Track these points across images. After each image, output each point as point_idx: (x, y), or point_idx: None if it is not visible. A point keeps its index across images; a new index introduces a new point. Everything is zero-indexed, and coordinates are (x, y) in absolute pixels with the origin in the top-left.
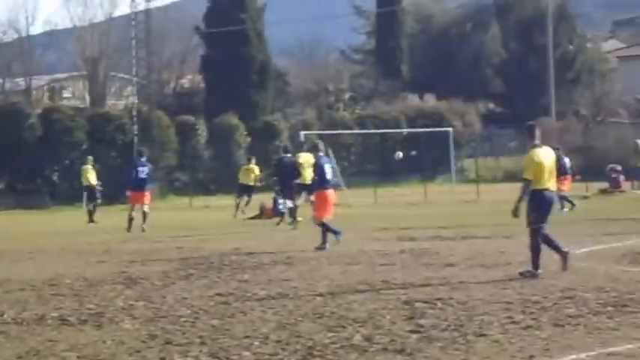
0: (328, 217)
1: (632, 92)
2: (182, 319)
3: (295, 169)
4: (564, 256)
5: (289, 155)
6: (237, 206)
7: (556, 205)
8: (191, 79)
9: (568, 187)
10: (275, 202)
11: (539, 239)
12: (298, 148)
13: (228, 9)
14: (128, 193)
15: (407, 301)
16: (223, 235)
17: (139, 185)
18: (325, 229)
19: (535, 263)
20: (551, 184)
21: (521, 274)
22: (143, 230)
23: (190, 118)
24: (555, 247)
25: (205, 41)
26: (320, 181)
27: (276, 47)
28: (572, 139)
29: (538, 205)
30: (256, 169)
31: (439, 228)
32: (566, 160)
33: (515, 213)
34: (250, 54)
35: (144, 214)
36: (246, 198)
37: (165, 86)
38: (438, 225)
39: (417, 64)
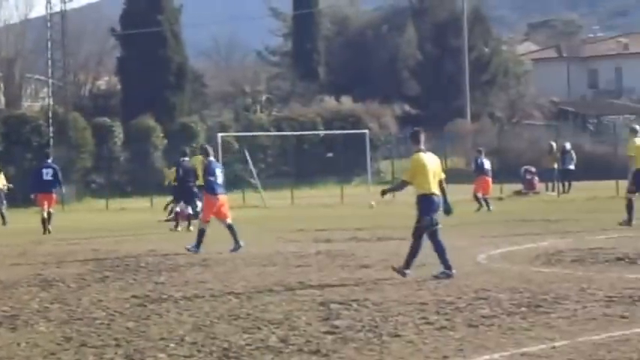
0: (227, 221)
1: (546, 94)
2: (97, 322)
3: (194, 173)
4: (447, 275)
5: (187, 159)
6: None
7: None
8: (107, 81)
9: (488, 189)
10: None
11: (421, 241)
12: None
13: (145, 11)
14: (32, 195)
15: (322, 303)
16: (139, 237)
17: (44, 187)
18: (231, 231)
19: (408, 262)
20: (436, 188)
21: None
22: (49, 232)
23: (107, 120)
24: (444, 261)
25: (121, 43)
26: (210, 186)
27: (194, 49)
28: (486, 140)
29: (427, 208)
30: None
31: (355, 229)
32: (486, 162)
33: (382, 193)
34: (167, 56)
35: (48, 215)
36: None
37: (81, 88)
38: (354, 226)
39: (334, 66)
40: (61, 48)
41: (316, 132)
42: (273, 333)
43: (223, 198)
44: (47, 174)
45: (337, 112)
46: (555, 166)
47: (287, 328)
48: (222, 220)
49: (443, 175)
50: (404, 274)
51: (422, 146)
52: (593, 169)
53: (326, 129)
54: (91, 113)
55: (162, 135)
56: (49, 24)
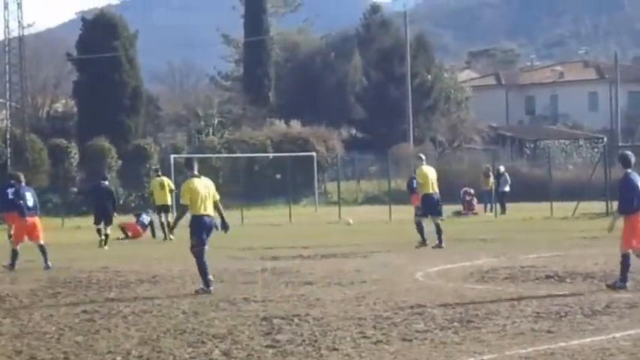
0: (39, 242)
1: (485, 120)
2: (47, 336)
3: (112, 196)
4: (205, 291)
5: (107, 183)
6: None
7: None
8: (64, 104)
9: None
10: (138, 218)
11: (202, 259)
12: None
13: (101, 36)
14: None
15: (265, 318)
16: (93, 255)
17: (11, 206)
18: (42, 251)
19: (205, 280)
20: (208, 210)
21: (196, 292)
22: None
23: (63, 141)
24: (204, 274)
25: (78, 67)
26: (20, 209)
27: (149, 74)
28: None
29: (195, 229)
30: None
31: (301, 248)
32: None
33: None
34: (122, 80)
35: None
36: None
37: (39, 110)
38: (301, 245)
39: (284, 91)
40: (19, 72)
41: (266, 154)
42: (217, 347)
43: (33, 220)
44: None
45: (286, 135)
46: (491, 187)
47: (230, 342)
48: (35, 240)
49: (217, 197)
50: (208, 291)
51: (195, 172)
52: (530, 191)
53: (275, 151)
54: (48, 134)
55: (116, 156)
56: (7, 48)
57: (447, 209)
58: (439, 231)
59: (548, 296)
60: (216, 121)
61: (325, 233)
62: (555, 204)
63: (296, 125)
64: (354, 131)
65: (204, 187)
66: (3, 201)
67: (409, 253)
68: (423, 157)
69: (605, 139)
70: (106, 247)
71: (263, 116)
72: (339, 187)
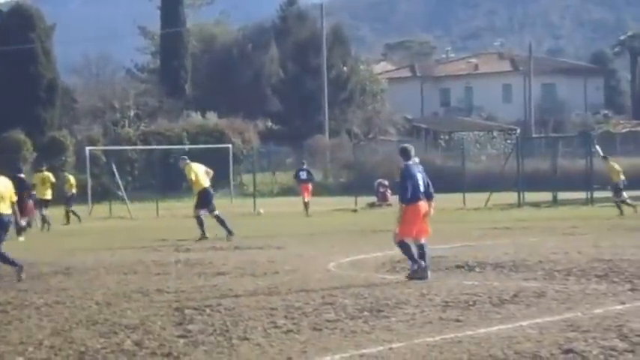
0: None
1: (400, 112)
2: None
3: (28, 188)
4: (18, 273)
5: (22, 175)
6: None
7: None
8: None
9: (308, 193)
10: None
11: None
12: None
13: (17, 28)
14: None
15: (178, 308)
16: (6, 247)
17: None
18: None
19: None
20: (5, 209)
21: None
22: None
23: None
24: (11, 263)
25: None
26: None
27: (66, 66)
28: (344, 155)
29: None
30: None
31: (215, 239)
32: (302, 173)
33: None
34: (38, 72)
35: None
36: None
37: None
38: (213, 236)
39: (200, 83)
40: None
41: (182, 146)
42: (129, 337)
43: None
44: None
45: (202, 127)
46: None
47: (142, 333)
48: None
49: (15, 198)
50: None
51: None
52: (443, 182)
53: (191, 143)
54: None
55: (32, 148)
56: None
57: (362, 201)
58: (222, 222)
59: (457, 286)
60: (132, 113)
61: (240, 225)
62: (468, 195)
63: (212, 117)
64: (270, 123)
65: (4, 187)
66: None
67: (323, 245)
68: (187, 159)
69: (519, 130)
70: (21, 239)
71: (179, 108)
72: (254, 178)
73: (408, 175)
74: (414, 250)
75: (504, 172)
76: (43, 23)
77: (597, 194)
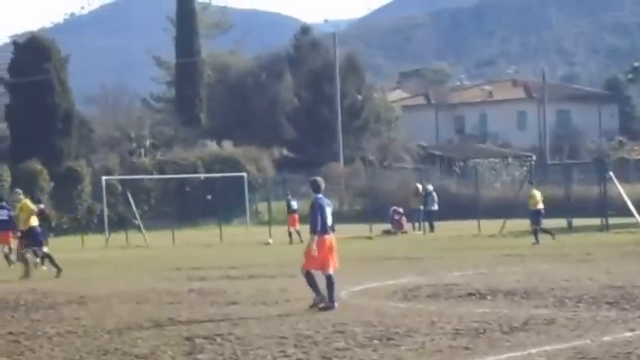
0: None
1: (415, 139)
2: None
3: (46, 218)
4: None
5: (42, 205)
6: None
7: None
8: None
9: (295, 223)
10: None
11: None
12: None
13: (32, 59)
14: None
15: (188, 337)
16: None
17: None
18: None
19: None
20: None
21: None
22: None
23: None
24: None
25: (10, 90)
26: None
27: (82, 96)
28: (359, 183)
29: None
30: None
31: (229, 268)
32: (293, 204)
33: None
34: (54, 102)
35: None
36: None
37: None
38: (229, 265)
39: (215, 112)
40: None
41: (197, 175)
42: None
43: None
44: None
45: (218, 156)
46: (421, 207)
47: None
48: None
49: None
50: None
51: None
52: (458, 209)
53: (207, 172)
54: None
55: (48, 178)
56: None
57: (377, 228)
58: (50, 259)
59: (468, 313)
60: (148, 143)
61: (255, 253)
62: (483, 222)
63: (227, 146)
64: (285, 151)
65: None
66: None
67: (335, 273)
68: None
69: (534, 157)
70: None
71: (195, 137)
72: (269, 206)
73: (318, 207)
74: (321, 282)
75: (519, 198)
76: (58, 54)
77: (612, 220)
